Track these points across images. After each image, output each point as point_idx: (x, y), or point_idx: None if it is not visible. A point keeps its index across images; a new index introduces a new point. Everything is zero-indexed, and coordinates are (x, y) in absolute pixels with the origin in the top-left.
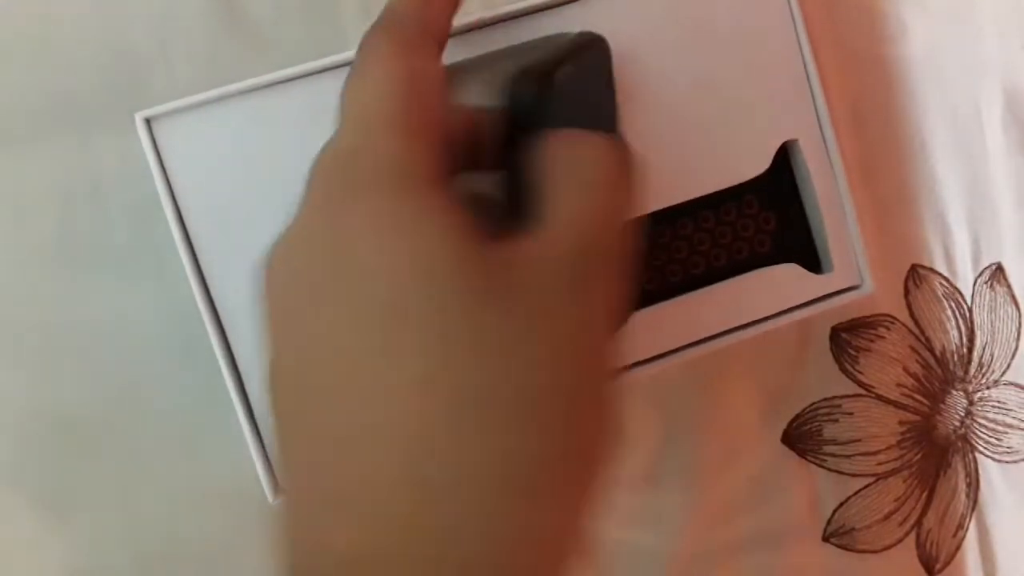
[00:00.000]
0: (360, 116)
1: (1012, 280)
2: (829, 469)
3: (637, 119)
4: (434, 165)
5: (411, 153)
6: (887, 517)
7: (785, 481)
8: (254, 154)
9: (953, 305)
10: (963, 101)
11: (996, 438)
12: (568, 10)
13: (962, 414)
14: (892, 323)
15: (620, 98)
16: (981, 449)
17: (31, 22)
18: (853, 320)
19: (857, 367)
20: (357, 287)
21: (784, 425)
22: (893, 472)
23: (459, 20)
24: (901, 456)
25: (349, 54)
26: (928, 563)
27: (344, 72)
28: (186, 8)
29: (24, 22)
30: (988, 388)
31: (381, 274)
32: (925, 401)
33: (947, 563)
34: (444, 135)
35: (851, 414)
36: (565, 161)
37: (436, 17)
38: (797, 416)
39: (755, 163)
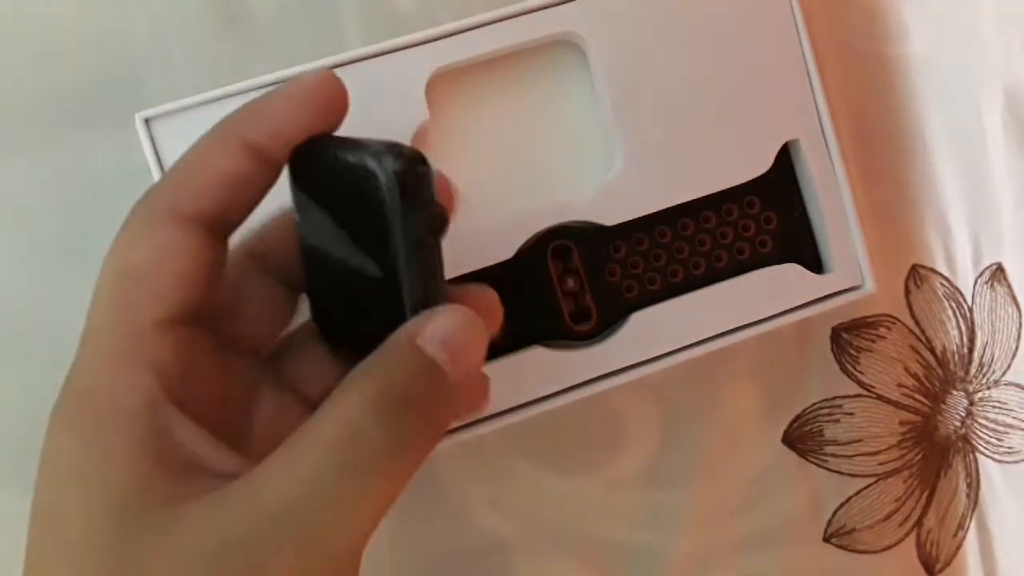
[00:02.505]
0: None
1: (1012, 280)
2: (830, 469)
3: (638, 119)
4: (145, 401)
5: (111, 389)
6: (887, 517)
7: (785, 481)
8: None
9: (954, 305)
10: (964, 101)
11: (997, 438)
12: (568, 10)
13: (963, 414)
14: (893, 323)
15: (621, 100)
16: (982, 449)
17: (31, 22)
18: (854, 320)
19: (858, 367)
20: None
21: (785, 425)
22: (894, 472)
23: (459, 20)
24: (902, 456)
25: (349, 54)
26: (928, 563)
27: (344, 72)
28: (186, 8)
29: (24, 22)
30: (989, 388)
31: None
32: (926, 401)
33: (947, 563)
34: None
35: (852, 414)
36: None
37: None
38: (798, 416)
39: (756, 163)
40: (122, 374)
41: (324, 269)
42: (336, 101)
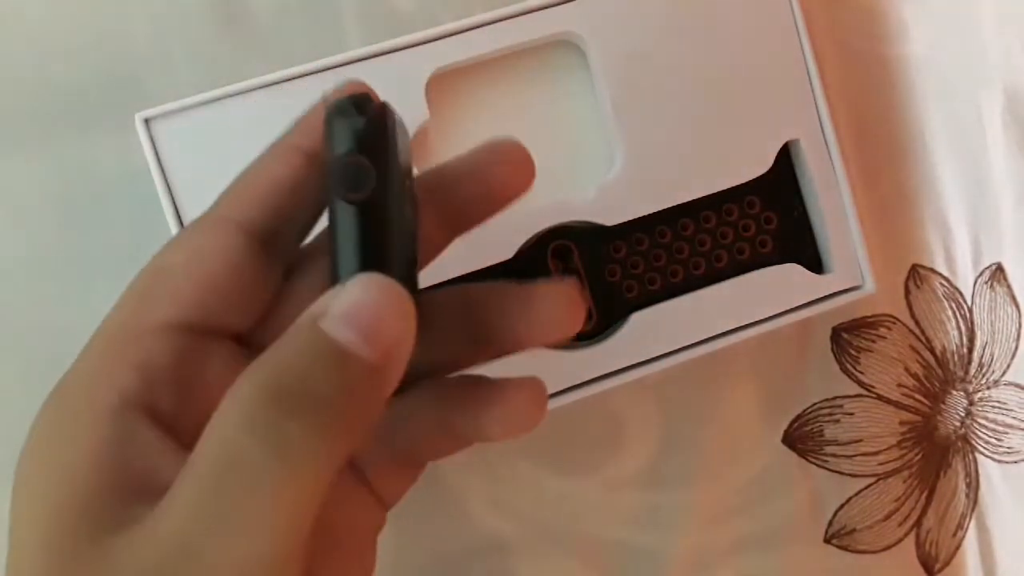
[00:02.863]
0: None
1: (1012, 280)
2: (830, 469)
3: (638, 119)
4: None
5: (90, 384)
6: (887, 517)
7: (785, 481)
8: (254, 154)
9: (953, 305)
10: (964, 101)
11: (996, 438)
12: (568, 10)
13: (962, 414)
14: (893, 323)
15: (621, 99)
16: (981, 449)
17: (31, 22)
18: (854, 320)
19: (858, 367)
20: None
21: (785, 425)
22: (894, 472)
23: (459, 20)
24: (902, 456)
25: (349, 54)
26: (928, 563)
27: (343, 72)
28: (186, 8)
29: (24, 22)
30: (988, 388)
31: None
32: (926, 401)
33: (947, 563)
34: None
35: (852, 414)
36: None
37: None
38: (798, 416)
39: (757, 163)
40: (105, 370)
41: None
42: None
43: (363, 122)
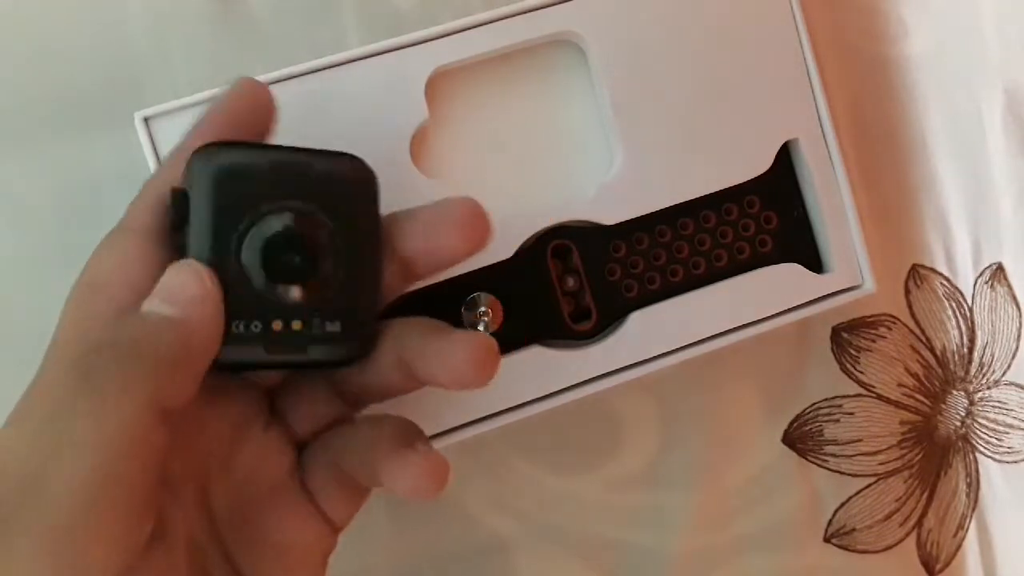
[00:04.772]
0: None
1: (1012, 280)
2: (830, 469)
3: (638, 119)
4: None
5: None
6: (888, 517)
7: (786, 481)
8: None
9: (954, 305)
10: (964, 101)
11: (997, 438)
12: (568, 10)
13: (963, 414)
14: (893, 323)
15: (621, 99)
16: (982, 449)
17: (31, 22)
18: (854, 320)
19: (858, 367)
20: None
21: (785, 425)
22: (894, 472)
23: (459, 20)
24: (902, 456)
25: (349, 53)
26: (928, 563)
27: (343, 71)
28: (186, 8)
29: (24, 22)
30: (989, 388)
31: None
32: (926, 401)
33: (947, 563)
34: None
35: (852, 414)
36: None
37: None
38: (798, 416)
39: (756, 163)
40: (65, 390)
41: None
42: (263, 99)
43: (194, 169)
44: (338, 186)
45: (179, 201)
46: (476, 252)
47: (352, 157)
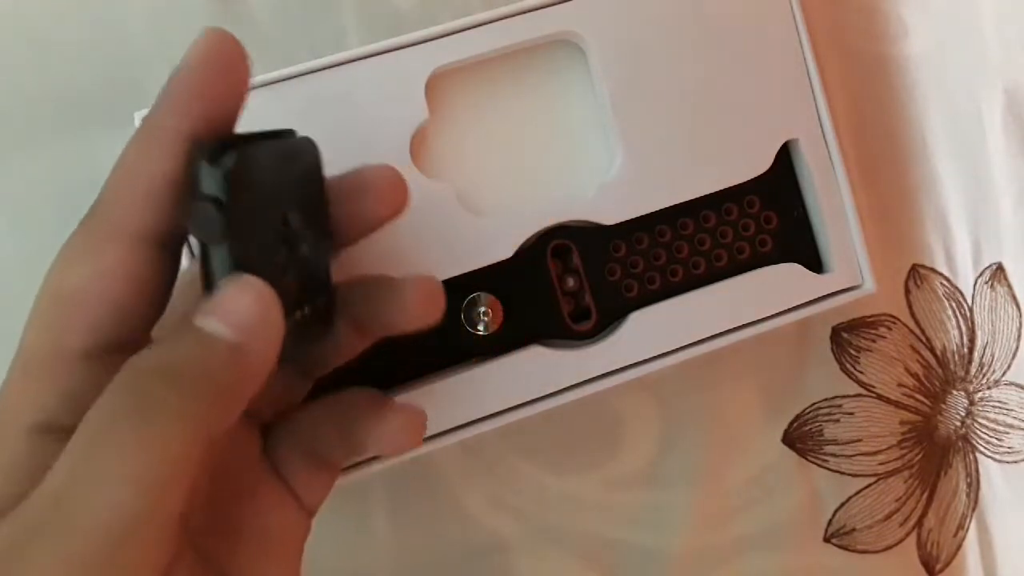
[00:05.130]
0: None
1: (1013, 280)
2: (830, 469)
3: (638, 119)
4: None
5: (14, 406)
6: (888, 517)
7: (785, 481)
8: None
9: (954, 305)
10: (964, 101)
11: (997, 438)
12: (567, 9)
13: (963, 414)
14: (893, 323)
15: (621, 99)
16: (982, 449)
17: (31, 22)
18: (854, 320)
19: (858, 367)
20: None
21: (785, 425)
22: (894, 472)
23: (459, 19)
24: (902, 456)
25: (349, 53)
26: (929, 563)
27: (343, 71)
28: (186, 8)
29: (24, 22)
30: (989, 388)
31: None
32: (926, 401)
33: (948, 563)
34: None
35: (852, 414)
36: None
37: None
38: (798, 416)
39: (756, 163)
40: (27, 393)
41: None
42: (235, 53)
43: (221, 174)
44: (311, 167)
45: (213, 210)
46: (396, 218)
47: (302, 136)
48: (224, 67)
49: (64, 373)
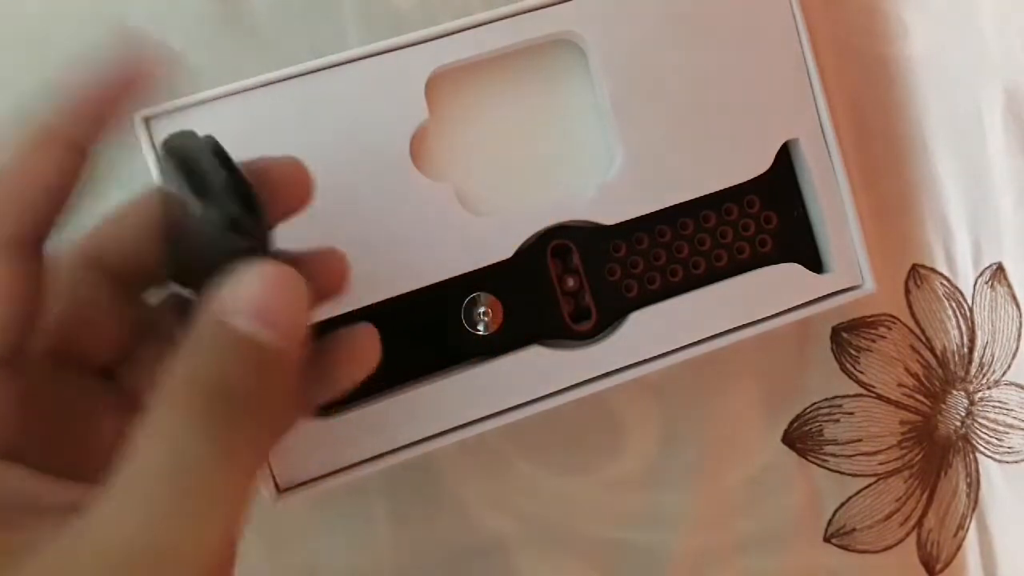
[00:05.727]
0: None
1: (1013, 280)
2: (830, 469)
3: (638, 119)
4: None
5: None
6: (888, 517)
7: (785, 481)
8: (253, 154)
9: (954, 305)
10: (964, 101)
11: (997, 438)
12: (567, 10)
13: (963, 414)
14: (893, 323)
15: (621, 99)
16: (982, 449)
17: (31, 21)
18: (854, 320)
19: (858, 367)
20: None
21: (784, 425)
22: (894, 472)
23: (459, 19)
24: (902, 456)
25: (348, 53)
26: (929, 563)
27: (343, 71)
28: (186, 8)
29: (24, 21)
30: (989, 388)
31: None
32: (926, 401)
33: (947, 563)
34: None
35: (852, 414)
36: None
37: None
38: (798, 416)
39: (756, 162)
40: None
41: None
42: (139, 60)
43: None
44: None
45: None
46: (299, 211)
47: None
48: (128, 81)
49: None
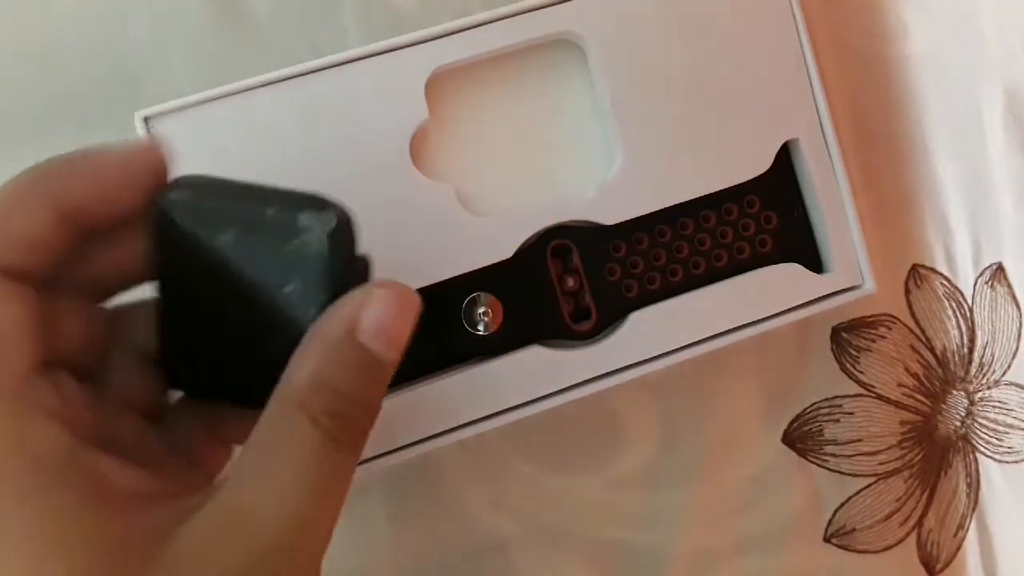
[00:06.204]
0: None
1: (1013, 280)
2: (830, 469)
3: (638, 119)
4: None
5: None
6: (888, 517)
7: (785, 481)
8: (253, 154)
9: (954, 305)
10: (964, 101)
11: (997, 438)
12: (567, 10)
13: (963, 414)
14: (893, 323)
15: (621, 99)
16: (982, 449)
17: (31, 21)
18: (854, 320)
19: (858, 367)
20: None
21: (784, 425)
22: (894, 472)
23: (459, 19)
24: (902, 456)
25: (348, 53)
26: (929, 563)
27: (343, 71)
28: (186, 8)
29: (24, 21)
30: (989, 388)
31: None
32: (926, 401)
33: (948, 563)
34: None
35: (852, 414)
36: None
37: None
38: (798, 416)
39: (756, 162)
40: (16, 428)
41: (190, 318)
42: (160, 168)
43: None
44: None
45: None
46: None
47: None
48: (140, 180)
49: (30, 394)
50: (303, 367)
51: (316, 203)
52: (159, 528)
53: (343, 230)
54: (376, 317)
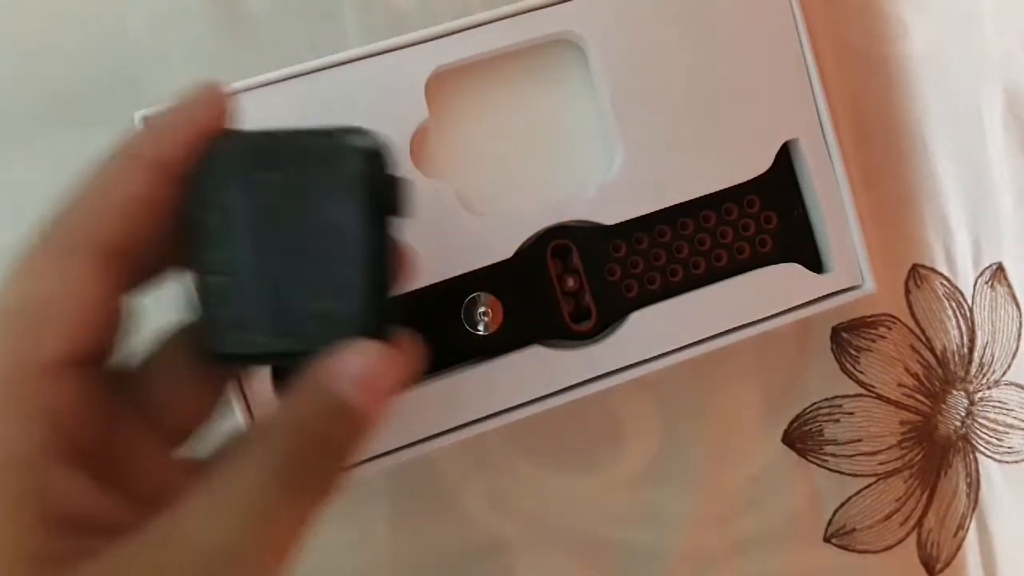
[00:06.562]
0: None
1: (1013, 280)
2: (830, 469)
3: (638, 119)
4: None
5: None
6: (888, 517)
7: (785, 481)
8: None
9: (954, 305)
10: (964, 101)
11: (997, 438)
12: (567, 9)
13: (963, 414)
14: (893, 323)
15: (621, 99)
16: (982, 449)
17: (31, 21)
18: (854, 320)
19: (858, 367)
20: None
21: (785, 425)
22: (894, 472)
23: (459, 19)
24: (902, 456)
25: (349, 53)
26: (929, 563)
27: (343, 71)
28: (186, 8)
29: (24, 21)
30: (989, 388)
31: None
32: (926, 401)
33: (948, 563)
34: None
35: (852, 414)
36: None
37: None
38: (798, 416)
39: (756, 162)
40: (8, 422)
41: (233, 272)
42: (225, 105)
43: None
44: None
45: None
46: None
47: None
48: (211, 118)
49: (40, 392)
50: (278, 404)
51: (353, 130)
52: (95, 548)
53: (380, 151)
54: (359, 366)
